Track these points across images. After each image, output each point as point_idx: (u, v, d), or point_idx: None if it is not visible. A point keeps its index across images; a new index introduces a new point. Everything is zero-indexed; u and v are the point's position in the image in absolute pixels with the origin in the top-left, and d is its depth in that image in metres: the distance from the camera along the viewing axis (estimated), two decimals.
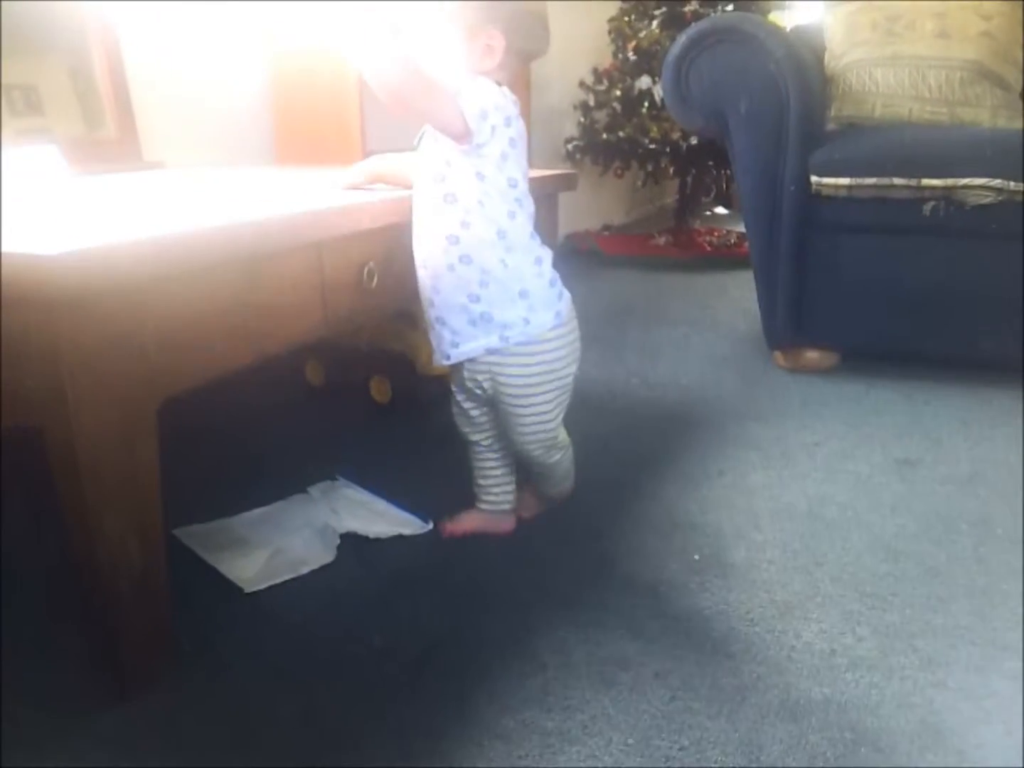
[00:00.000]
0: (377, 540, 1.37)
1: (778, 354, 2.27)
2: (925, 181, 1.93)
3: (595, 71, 4.03)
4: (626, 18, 3.94)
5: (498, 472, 1.42)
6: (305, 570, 1.28)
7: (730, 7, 3.70)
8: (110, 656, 1.02)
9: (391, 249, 1.37)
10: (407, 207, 1.35)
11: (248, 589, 1.23)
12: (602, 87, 3.99)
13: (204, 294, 1.02)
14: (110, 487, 0.93)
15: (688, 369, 2.27)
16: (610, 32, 3.98)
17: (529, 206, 1.21)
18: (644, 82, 3.84)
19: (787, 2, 4.06)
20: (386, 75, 1.05)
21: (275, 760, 0.94)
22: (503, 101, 1.13)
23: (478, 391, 1.29)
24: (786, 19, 3.83)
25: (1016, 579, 1.25)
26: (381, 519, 1.43)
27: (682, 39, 2.15)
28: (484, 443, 1.40)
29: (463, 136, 1.11)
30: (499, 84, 1.14)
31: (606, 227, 4.47)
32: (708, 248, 3.92)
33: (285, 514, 1.45)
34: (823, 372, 2.20)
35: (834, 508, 1.48)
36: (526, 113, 3.21)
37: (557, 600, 1.22)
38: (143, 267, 0.91)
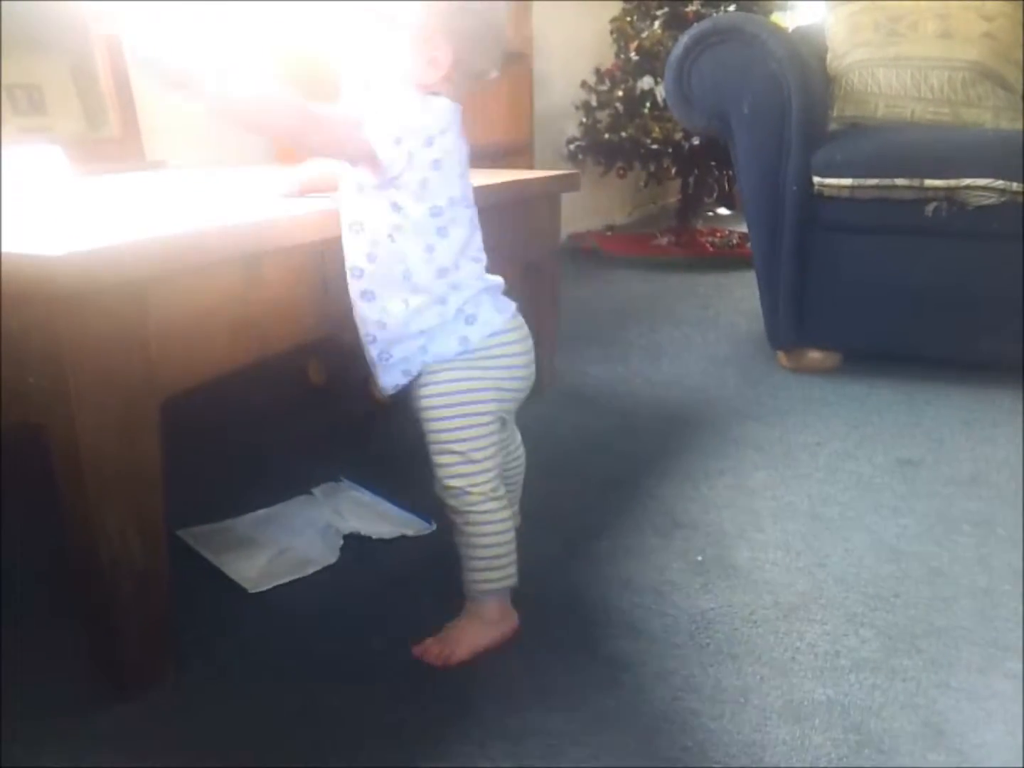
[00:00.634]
0: (379, 540, 1.37)
1: (780, 354, 2.27)
2: (927, 182, 1.93)
3: (597, 71, 4.02)
4: (628, 18, 3.94)
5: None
6: (310, 571, 1.28)
7: (732, 7, 3.70)
8: (111, 655, 1.02)
9: None
10: None
11: (252, 590, 1.23)
12: (604, 87, 3.99)
13: (206, 293, 1.02)
14: (112, 484, 0.93)
15: (690, 369, 2.27)
16: (612, 32, 3.98)
17: (460, 231, 1.06)
18: (646, 82, 3.83)
19: (789, 2, 4.06)
20: (257, 114, 0.94)
21: (276, 760, 0.93)
22: (424, 119, 1.00)
23: None
24: (788, 20, 3.83)
25: (1018, 579, 1.25)
26: (384, 520, 1.43)
27: (684, 39, 2.15)
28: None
29: (376, 168, 0.99)
30: (436, 95, 1.03)
31: (608, 227, 4.47)
32: (710, 248, 3.92)
33: (289, 515, 1.45)
34: (825, 372, 2.20)
35: (836, 508, 1.48)
36: (527, 113, 3.23)
37: (557, 599, 1.21)
38: (144, 266, 0.91)
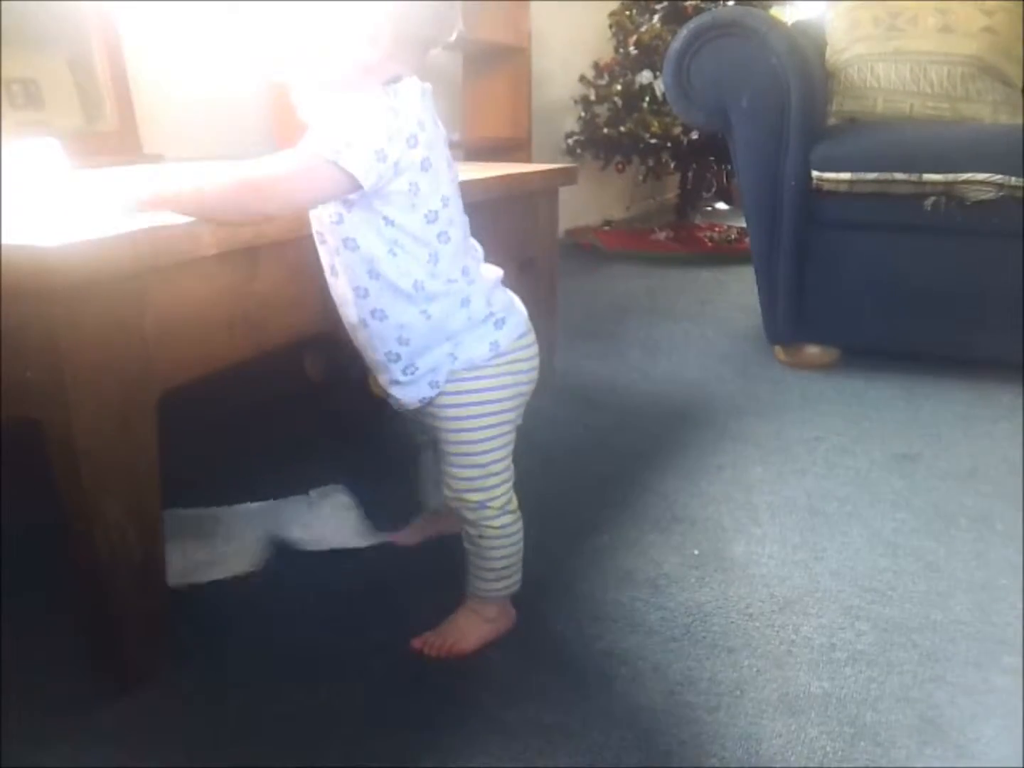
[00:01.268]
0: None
1: (778, 349, 2.27)
2: (926, 176, 1.92)
3: (596, 65, 4.02)
4: (627, 12, 3.94)
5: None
6: (221, 576, 1.25)
7: (731, 2, 3.70)
8: (109, 649, 1.02)
9: None
10: None
11: (170, 583, 1.16)
12: (603, 82, 3.99)
13: (203, 286, 1.02)
14: (109, 477, 0.93)
15: (688, 364, 2.27)
16: (611, 26, 3.98)
17: (457, 230, 0.99)
18: (645, 77, 3.83)
19: None
20: (230, 220, 0.93)
21: (274, 756, 0.93)
22: (400, 118, 0.90)
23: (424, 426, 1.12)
24: (787, 14, 3.83)
25: (1016, 574, 1.25)
26: (347, 534, 1.38)
27: (683, 33, 2.15)
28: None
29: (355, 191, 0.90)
30: (394, 81, 0.93)
31: (607, 222, 4.47)
32: (709, 243, 3.92)
33: (250, 515, 1.41)
34: (823, 368, 2.20)
35: (834, 503, 1.48)
36: (525, 108, 3.23)
37: (555, 593, 1.22)
38: (141, 259, 0.91)
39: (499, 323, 1.03)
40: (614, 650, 1.09)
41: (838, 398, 2.00)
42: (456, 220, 0.99)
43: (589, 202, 4.35)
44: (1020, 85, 2.28)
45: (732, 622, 1.15)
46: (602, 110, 3.98)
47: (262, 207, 0.91)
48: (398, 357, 1.01)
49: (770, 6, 3.79)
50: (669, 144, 3.83)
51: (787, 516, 1.44)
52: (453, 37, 0.98)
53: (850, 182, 1.99)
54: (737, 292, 3.09)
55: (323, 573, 1.28)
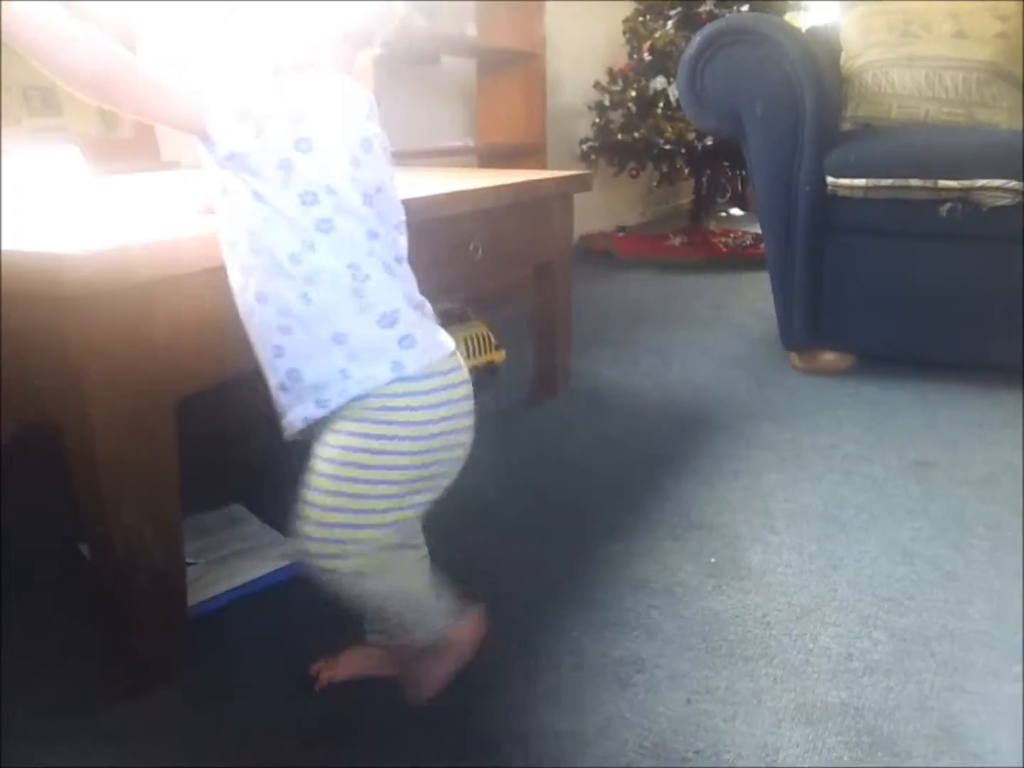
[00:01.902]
0: None
1: (793, 356, 2.26)
2: (942, 182, 1.92)
3: (610, 71, 4.03)
4: (641, 18, 3.94)
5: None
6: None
7: (745, 8, 3.69)
8: (125, 651, 1.02)
9: (408, 249, 1.37)
10: (425, 207, 1.36)
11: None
12: (617, 87, 3.99)
13: (216, 295, 1.03)
14: (128, 482, 0.94)
15: (703, 370, 2.27)
16: (625, 32, 3.98)
17: (351, 226, 0.87)
18: (659, 82, 3.83)
19: (802, 2, 4.05)
20: (70, 62, 0.79)
21: (282, 759, 0.94)
22: (294, 95, 0.87)
23: None
24: (801, 20, 3.83)
25: None
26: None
27: (697, 39, 2.15)
28: None
29: (206, 140, 0.85)
30: (304, 68, 0.90)
31: (620, 228, 4.47)
32: (723, 249, 3.91)
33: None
34: (838, 374, 2.19)
35: (850, 511, 1.47)
36: (539, 114, 3.23)
37: (570, 601, 1.21)
38: (154, 268, 0.92)
39: (406, 341, 0.87)
40: (630, 658, 1.09)
41: (854, 404, 1.99)
42: (351, 219, 0.86)
43: (603, 208, 4.35)
44: None
45: (749, 631, 1.14)
46: (616, 116, 3.98)
47: (120, 93, 0.81)
48: (281, 352, 0.87)
49: (784, 12, 3.78)
50: (683, 150, 3.82)
51: (803, 524, 1.43)
52: (382, 38, 0.95)
53: (865, 188, 1.98)
54: (752, 298, 3.08)
55: None
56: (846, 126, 2.32)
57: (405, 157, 2.53)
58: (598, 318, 2.81)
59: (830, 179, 2.01)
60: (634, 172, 4.05)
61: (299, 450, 0.90)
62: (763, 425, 1.87)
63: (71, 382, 0.88)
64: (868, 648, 1.11)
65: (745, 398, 2.05)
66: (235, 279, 0.89)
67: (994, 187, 1.88)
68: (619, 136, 3.90)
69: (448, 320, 1.96)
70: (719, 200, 5.05)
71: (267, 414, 0.94)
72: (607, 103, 4.00)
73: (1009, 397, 2.00)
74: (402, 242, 0.96)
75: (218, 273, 1.01)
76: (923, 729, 0.96)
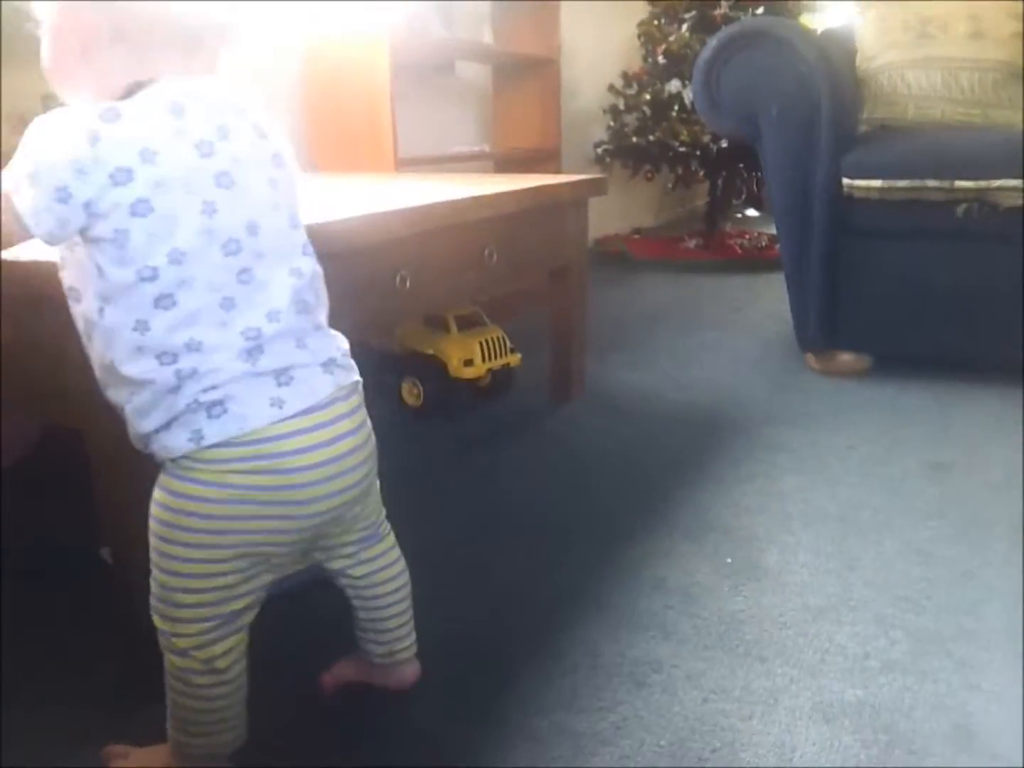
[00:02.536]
0: None
1: (810, 357, 2.26)
2: (958, 183, 1.92)
3: (625, 75, 4.03)
4: (656, 22, 3.95)
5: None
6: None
7: (760, 10, 3.70)
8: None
9: (424, 254, 1.39)
10: (441, 213, 1.37)
11: None
12: (632, 91, 4.00)
13: None
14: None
15: (719, 372, 2.27)
16: (640, 36, 3.99)
17: (195, 294, 0.74)
18: (674, 85, 3.84)
19: (818, 3, 4.05)
20: None
21: (302, 759, 0.95)
22: (94, 151, 0.69)
23: None
24: (816, 22, 3.82)
25: None
26: None
27: (713, 43, 2.16)
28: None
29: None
30: (134, 90, 0.75)
31: (636, 231, 4.48)
32: (739, 251, 3.92)
33: None
34: (855, 375, 2.19)
35: (867, 512, 1.47)
36: (554, 118, 3.24)
37: (587, 601, 1.22)
38: None
39: (214, 409, 0.76)
40: (647, 658, 1.10)
41: (870, 406, 1.99)
42: (198, 282, 0.74)
43: (618, 211, 4.36)
44: None
45: (765, 631, 1.15)
46: (631, 119, 3.99)
47: None
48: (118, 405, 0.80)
49: (800, 13, 3.78)
50: (698, 152, 3.83)
51: (820, 525, 1.43)
52: (227, 39, 0.82)
53: (881, 189, 1.98)
54: (767, 299, 3.08)
55: None
56: (862, 128, 2.32)
57: (421, 163, 2.55)
58: (614, 321, 2.81)
59: (846, 180, 2.02)
60: (649, 175, 4.05)
61: None
62: (779, 427, 1.87)
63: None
64: (885, 647, 1.11)
65: (761, 400, 2.05)
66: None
67: (1010, 187, 1.88)
68: (634, 139, 3.91)
69: (463, 325, 1.97)
70: (735, 202, 5.05)
71: None
72: (622, 107, 4.01)
73: None
74: (304, 269, 0.83)
75: None
76: (940, 728, 0.96)
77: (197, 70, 0.79)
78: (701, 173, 4.14)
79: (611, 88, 4.02)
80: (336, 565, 0.94)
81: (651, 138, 3.84)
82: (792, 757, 0.93)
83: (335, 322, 1.25)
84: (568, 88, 3.56)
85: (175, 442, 0.76)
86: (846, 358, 2.21)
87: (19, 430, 1.60)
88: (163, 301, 0.73)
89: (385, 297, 1.33)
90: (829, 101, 2.02)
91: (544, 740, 0.96)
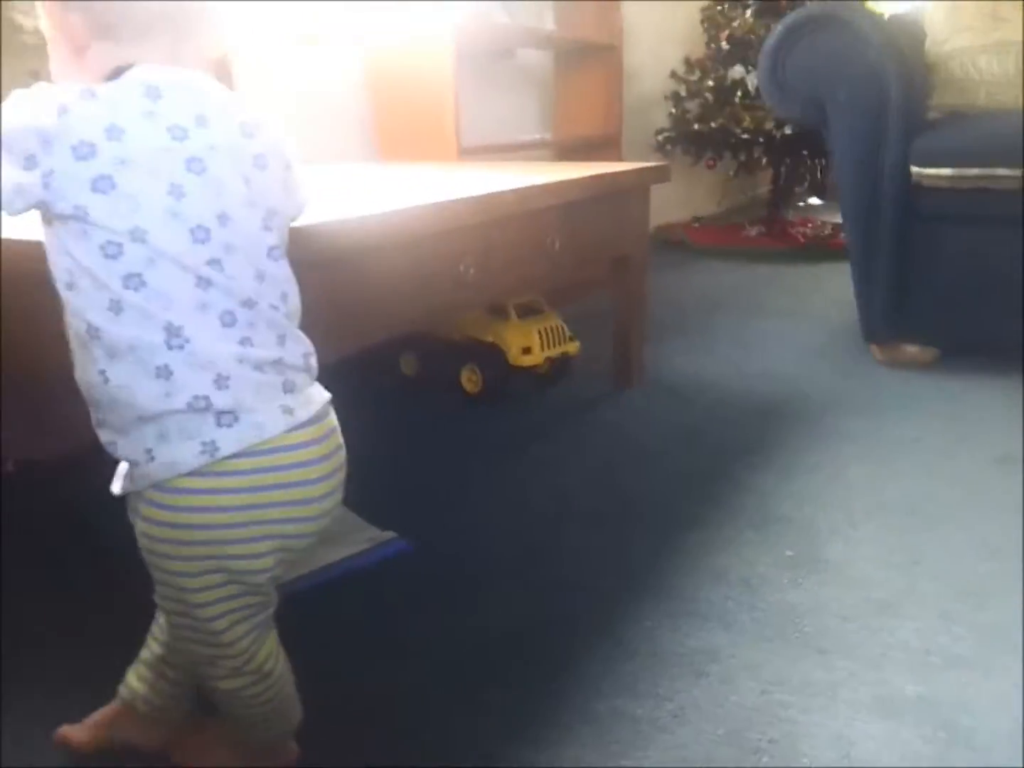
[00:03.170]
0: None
1: (875, 348, 2.23)
2: None
3: (687, 61, 3.99)
4: (719, 7, 3.90)
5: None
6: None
7: None
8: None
9: (488, 244, 1.40)
10: (506, 202, 1.38)
11: None
12: (694, 77, 3.96)
13: (310, 287, 1.07)
14: None
15: (781, 360, 2.25)
16: (703, 21, 3.95)
17: (167, 277, 0.71)
18: (737, 71, 3.79)
19: None
20: None
21: (364, 736, 0.97)
22: (60, 122, 0.69)
23: None
24: (884, 6, 3.74)
25: None
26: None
27: (779, 28, 2.13)
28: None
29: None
30: (118, 74, 0.75)
31: (697, 218, 4.44)
32: (802, 239, 3.86)
33: None
34: (921, 367, 2.15)
35: (932, 505, 1.45)
36: (616, 105, 3.23)
37: (647, 589, 1.23)
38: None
39: (225, 418, 0.73)
40: (706, 647, 1.10)
41: (937, 398, 1.95)
42: (170, 270, 0.72)
43: (680, 198, 4.32)
44: None
45: (825, 624, 1.14)
46: (693, 105, 3.95)
47: None
48: (100, 423, 0.77)
49: None
50: (761, 139, 3.78)
51: (884, 517, 1.42)
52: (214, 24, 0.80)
53: (951, 178, 1.94)
54: (831, 289, 3.03)
55: (415, 559, 1.31)
56: (932, 114, 2.27)
57: (483, 152, 2.55)
58: (675, 309, 2.80)
59: (915, 168, 1.98)
60: (711, 162, 4.02)
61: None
62: (844, 418, 1.84)
63: None
64: (948, 643, 1.09)
65: (825, 389, 2.02)
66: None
67: None
68: (696, 126, 3.87)
69: (522, 313, 1.98)
70: (797, 190, 4.97)
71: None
72: (684, 93, 3.97)
73: None
74: (272, 272, 0.79)
75: (312, 267, 1.05)
76: (1002, 725, 0.95)
77: (188, 61, 0.78)
78: (764, 160, 4.09)
79: (673, 74, 3.99)
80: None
81: (713, 125, 3.81)
82: (850, 751, 0.92)
83: (404, 311, 1.28)
84: (630, 74, 3.54)
85: (182, 456, 0.72)
86: (912, 349, 2.17)
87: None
88: (131, 280, 0.70)
89: (450, 286, 1.35)
90: (898, 87, 1.98)
91: (603, 724, 0.97)
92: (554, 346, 1.98)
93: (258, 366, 0.75)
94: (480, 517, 1.45)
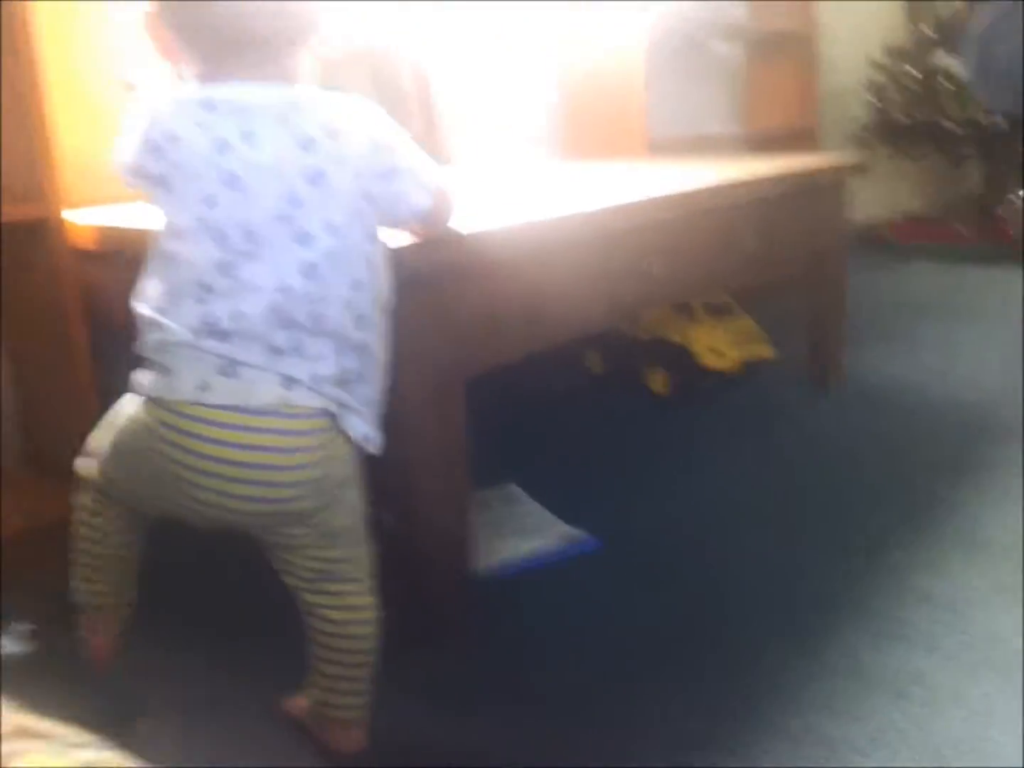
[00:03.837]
0: None
1: None
2: None
3: (888, 49, 3.81)
4: None
5: None
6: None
7: None
8: (418, 604, 1.10)
9: (675, 242, 1.38)
10: (693, 200, 1.35)
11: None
12: (896, 66, 3.77)
13: (501, 284, 1.08)
14: (429, 452, 1.04)
15: (991, 370, 2.11)
16: (905, 7, 3.76)
17: (188, 271, 0.81)
18: (943, 59, 3.59)
19: None
20: None
21: (544, 732, 0.98)
22: (145, 122, 0.83)
23: None
24: None
25: None
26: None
27: (990, 11, 1.99)
28: None
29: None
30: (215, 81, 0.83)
31: (901, 215, 4.24)
32: (1010, 233, 3.62)
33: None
34: None
35: None
36: (811, 97, 3.12)
37: (847, 607, 1.18)
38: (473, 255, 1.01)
39: (160, 368, 0.82)
40: (909, 670, 1.04)
41: None
42: (181, 259, 0.82)
43: (882, 193, 4.12)
44: None
45: None
46: (896, 96, 3.76)
47: None
48: None
49: None
50: (970, 132, 3.56)
51: None
52: (231, 24, 0.82)
53: None
54: None
55: (592, 562, 1.31)
56: None
57: (672, 145, 2.52)
58: (876, 310, 2.67)
59: None
60: (916, 156, 3.82)
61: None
62: None
63: None
64: None
65: None
66: None
67: None
68: (899, 118, 3.69)
69: (712, 312, 1.94)
70: (1012, 185, 4.66)
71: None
72: (885, 83, 3.79)
73: None
74: (296, 287, 0.81)
75: (503, 265, 1.07)
76: None
77: (272, 73, 0.83)
78: (975, 154, 3.86)
79: (873, 63, 3.81)
80: (291, 582, 0.91)
81: (918, 116, 3.62)
82: None
83: (590, 309, 1.28)
84: (826, 63, 3.42)
85: (139, 381, 0.84)
86: None
87: None
88: (155, 265, 0.84)
89: (634, 283, 1.34)
90: None
91: (798, 741, 0.94)
92: (745, 348, 1.93)
93: (205, 353, 0.80)
94: (669, 520, 1.43)
